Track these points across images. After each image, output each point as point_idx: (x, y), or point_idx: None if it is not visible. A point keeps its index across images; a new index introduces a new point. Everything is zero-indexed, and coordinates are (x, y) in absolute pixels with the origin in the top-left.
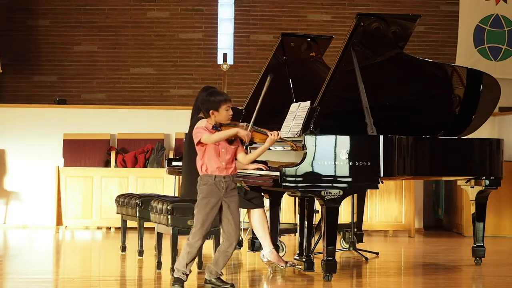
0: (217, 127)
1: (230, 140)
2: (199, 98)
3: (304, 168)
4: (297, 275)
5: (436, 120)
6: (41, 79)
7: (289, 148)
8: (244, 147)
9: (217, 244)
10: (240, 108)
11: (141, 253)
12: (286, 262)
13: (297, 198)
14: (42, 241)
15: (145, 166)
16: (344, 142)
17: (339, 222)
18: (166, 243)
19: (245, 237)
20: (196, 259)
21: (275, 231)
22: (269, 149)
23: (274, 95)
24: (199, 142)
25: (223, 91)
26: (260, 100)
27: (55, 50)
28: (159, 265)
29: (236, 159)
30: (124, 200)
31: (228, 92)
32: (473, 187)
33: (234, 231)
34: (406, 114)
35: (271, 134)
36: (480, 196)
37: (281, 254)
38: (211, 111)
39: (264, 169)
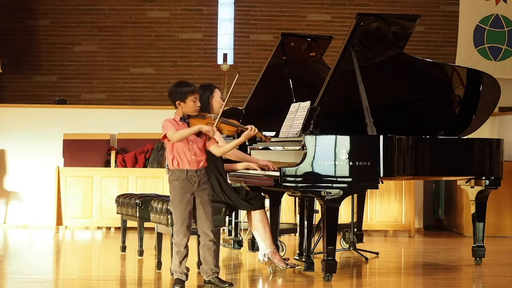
0: (185, 119)
1: (198, 133)
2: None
3: (304, 168)
4: (297, 275)
5: (436, 120)
6: (41, 79)
7: (290, 148)
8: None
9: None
10: (240, 108)
11: (141, 253)
12: (287, 263)
13: (297, 198)
14: (42, 241)
15: (145, 166)
16: (344, 142)
17: (339, 222)
18: (166, 243)
19: (245, 237)
20: (196, 259)
21: (275, 231)
22: (269, 148)
23: (274, 95)
24: (165, 137)
25: (193, 83)
26: (229, 93)
27: (55, 50)
28: (159, 265)
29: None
30: (124, 200)
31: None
32: (473, 187)
33: (207, 224)
34: (406, 114)
35: (250, 129)
36: (480, 196)
37: (281, 254)
38: (177, 102)
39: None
